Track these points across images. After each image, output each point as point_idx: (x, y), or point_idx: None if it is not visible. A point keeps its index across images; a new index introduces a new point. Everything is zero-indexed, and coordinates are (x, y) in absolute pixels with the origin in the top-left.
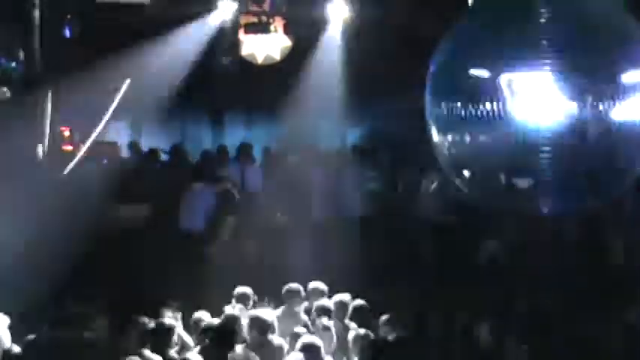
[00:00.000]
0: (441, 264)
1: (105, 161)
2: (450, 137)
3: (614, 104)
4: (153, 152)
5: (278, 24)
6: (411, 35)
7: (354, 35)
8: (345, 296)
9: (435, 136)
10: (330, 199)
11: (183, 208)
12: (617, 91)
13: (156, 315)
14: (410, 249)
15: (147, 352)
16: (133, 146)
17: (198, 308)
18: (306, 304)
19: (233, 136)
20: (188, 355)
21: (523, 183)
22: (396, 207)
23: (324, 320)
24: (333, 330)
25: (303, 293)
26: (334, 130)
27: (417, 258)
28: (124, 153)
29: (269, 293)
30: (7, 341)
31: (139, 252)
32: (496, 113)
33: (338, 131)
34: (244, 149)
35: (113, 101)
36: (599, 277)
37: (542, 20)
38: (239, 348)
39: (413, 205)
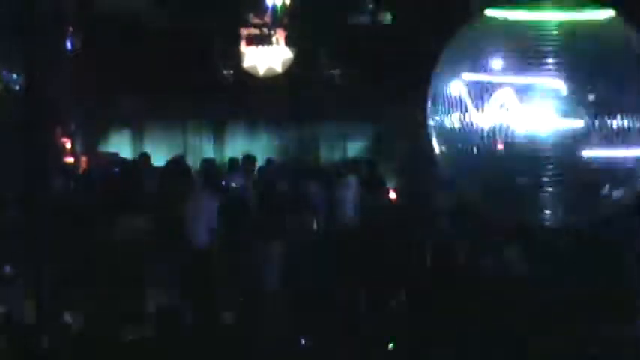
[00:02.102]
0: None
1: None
2: (449, 148)
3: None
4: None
5: (279, 36)
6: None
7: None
8: None
9: (436, 147)
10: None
11: (186, 221)
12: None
13: None
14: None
15: None
16: (143, 158)
17: None
18: None
19: (234, 148)
20: None
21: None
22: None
23: None
24: None
25: None
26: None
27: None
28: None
29: None
30: None
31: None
32: (494, 124)
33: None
34: (248, 161)
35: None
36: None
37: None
38: None
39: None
